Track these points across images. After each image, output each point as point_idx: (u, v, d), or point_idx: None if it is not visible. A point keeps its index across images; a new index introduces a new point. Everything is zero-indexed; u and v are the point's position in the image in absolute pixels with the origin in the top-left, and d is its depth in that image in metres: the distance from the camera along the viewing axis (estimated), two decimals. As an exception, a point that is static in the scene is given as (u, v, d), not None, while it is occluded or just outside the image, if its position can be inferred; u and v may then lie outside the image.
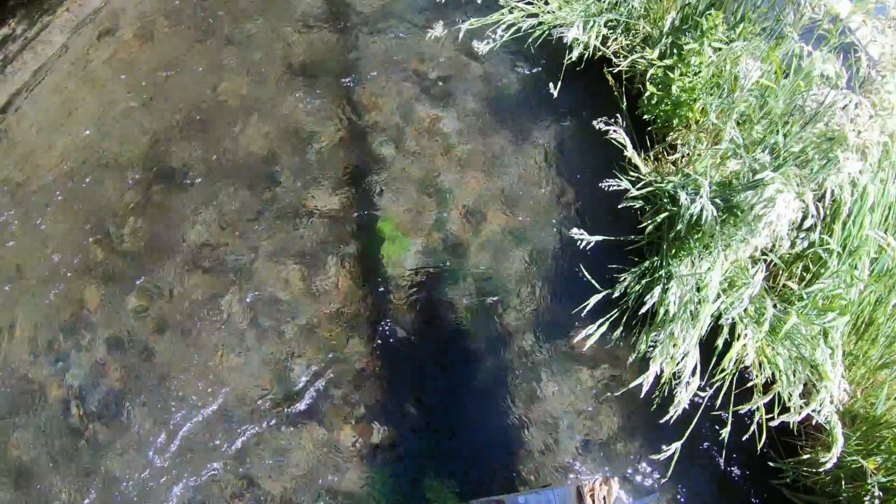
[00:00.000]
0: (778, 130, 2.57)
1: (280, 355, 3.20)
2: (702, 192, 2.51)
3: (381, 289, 3.37)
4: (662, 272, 2.83)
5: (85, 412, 3.08)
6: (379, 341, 3.24)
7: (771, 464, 2.84)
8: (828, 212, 2.65)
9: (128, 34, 4.17)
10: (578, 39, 3.29)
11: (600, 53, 3.56)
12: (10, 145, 3.82)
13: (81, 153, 3.77)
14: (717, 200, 2.53)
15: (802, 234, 2.49)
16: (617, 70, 3.50)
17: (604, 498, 1.57)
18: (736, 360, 2.60)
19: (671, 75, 3.06)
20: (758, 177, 2.26)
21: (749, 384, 2.72)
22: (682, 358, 2.60)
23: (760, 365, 2.71)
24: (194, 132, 3.83)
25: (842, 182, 2.24)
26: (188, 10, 4.28)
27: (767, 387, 2.64)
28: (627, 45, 3.59)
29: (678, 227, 2.74)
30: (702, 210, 2.49)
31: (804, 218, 2.26)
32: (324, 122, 3.85)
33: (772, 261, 2.68)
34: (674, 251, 2.85)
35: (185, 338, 3.25)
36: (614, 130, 3.05)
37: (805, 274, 2.76)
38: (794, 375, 2.51)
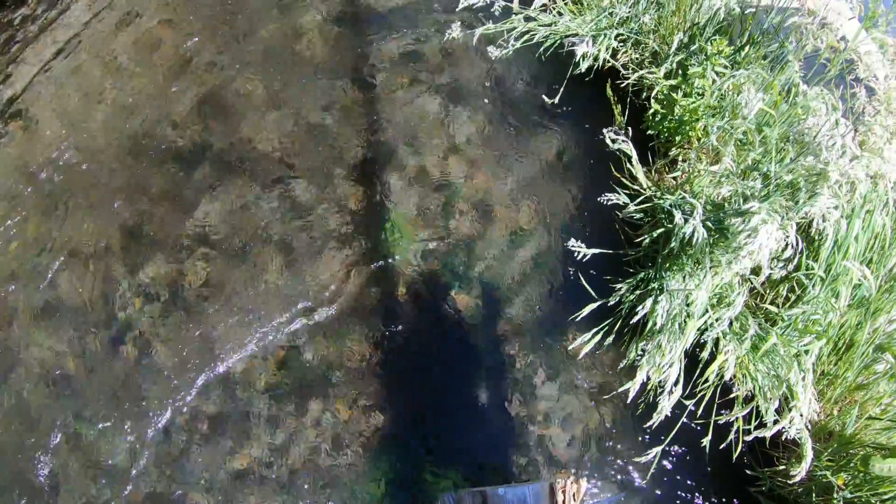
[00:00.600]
0: (772, 159, 2.80)
1: (287, 340, 3.47)
2: (695, 213, 2.75)
3: (388, 281, 3.63)
4: (655, 285, 3.07)
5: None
6: (384, 332, 3.50)
7: (748, 472, 3.11)
8: (815, 237, 2.89)
9: (149, 21, 4.38)
10: (588, 53, 3.50)
11: (609, 65, 3.77)
12: (28, 126, 4.05)
13: (100, 135, 4.01)
14: (709, 223, 2.77)
15: (782, 264, 2.72)
16: (624, 83, 3.72)
17: (573, 495, 1.81)
18: (718, 373, 2.85)
19: (675, 96, 3.29)
20: (745, 206, 2.49)
21: (731, 395, 2.99)
22: (668, 367, 2.85)
23: (742, 378, 2.97)
24: (212, 120, 4.06)
25: (824, 214, 2.46)
26: (210, 1, 4.49)
27: (749, 399, 2.90)
28: (636, 59, 3.80)
29: (672, 244, 2.97)
30: (694, 231, 2.73)
31: (786, 247, 2.50)
32: (337, 117, 4.08)
33: (761, 281, 2.92)
34: (667, 265, 3.09)
35: (189, 323, 3.51)
36: (623, 141, 3.27)
37: (790, 295, 3.00)
38: (771, 392, 2.76)
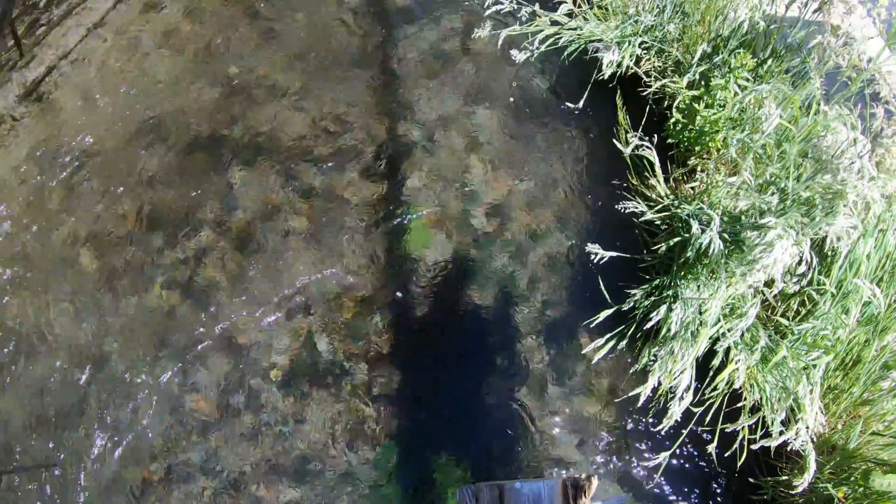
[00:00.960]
0: (789, 175, 2.91)
1: (304, 329, 3.61)
2: (713, 224, 2.87)
3: (405, 276, 3.77)
4: (670, 292, 3.19)
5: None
6: (399, 325, 3.64)
7: (752, 480, 3.24)
8: (828, 253, 3.01)
9: (173, 9, 4.51)
10: (612, 60, 3.61)
11: (632, 72, 3.89)
12: (51, 109, 4.18)
13: (120, 121, 4.14)
14: (725, 235, 2.89)
15: (795, 278, 2.84)
16: (646, 91, 3.83)
17: (584, 492, 1.94)
18: (728, 382, 2.97)
19: (696, 106, 3.41)
20: (762, 221, 2.61)
21: (739, 404, 3.11)
22: (679, 374, 2.97)
23: (751, 388, 3.09)
24: (234, 110, 4.19)
25: (840, 234, 2.58)
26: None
27: (756, 409, 3.03)
28: (659, 67, 3.91)
29: (688, 253, 3.10)
30: (710, 242, 2.85)
31: (799, 262, 2.62)
32: (360, 112, 4.22)
33: (773, 294, 3.04)
34: (683, 274, 3.21)
35: (205, 306, 3.65)
36: (647, 148, 3.38)
37: (801, 309, 3.12)
38: (778, 403, 2.89)
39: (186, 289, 3.69)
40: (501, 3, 3.63)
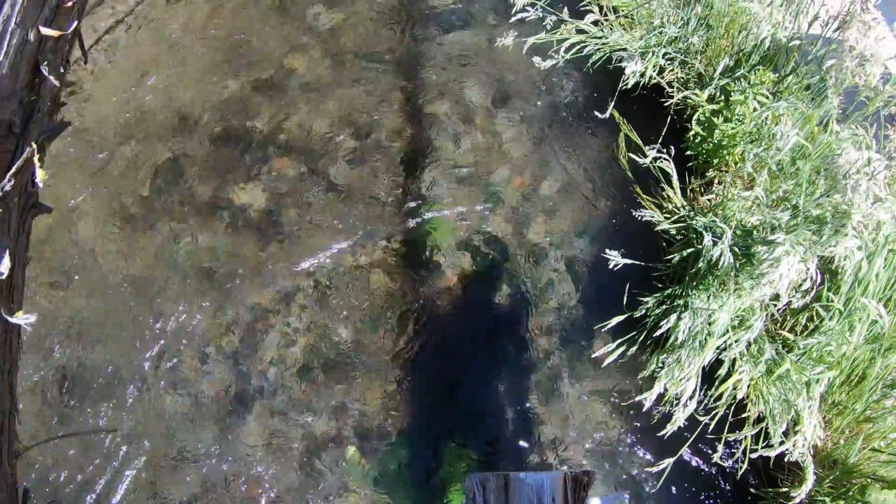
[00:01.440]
0: (802, 191, 3.06)
1: (322, 321, 3.80)
2: (724, 238, 3.02)
3: (424, 273, 3.95)
4: (681, 301, 3.35)
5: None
6: (416, 321, 3.82)
7: (753, 490, 3.39)
8: (839, 269, 3.15)
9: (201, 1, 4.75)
10: (636, 70, 3.77)
11: (655, 82, 4.04)
12: (82, 96, 4.41)
13: (149, 110, 4.37)
14: (736, 248, 3.05)
15: (800, 294, 2.99)
16: (668, 102, 3.98)
17: (584, 486, 2.09)
18: (732, 392, 3.13)
19: (716, 120, 3.56)
20: (771, 237, 2.76)
21: (743, 415, 3.26)
22: (686, 381, 3.14)
23: (755, 399, 3.24)
24: (259, 102, 4.40)
25: (844, 252, 2.73)
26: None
27: (759, 420, 3.18)
28: (682, 78, 4.07)
29: (700, 264, 3.25)
30: (721, 254, 3.01)
31: (805, 279, 2.77)
32: (385, 110, 4.44)
33: (779, 308, 3.19)
34: (694, 284, 3.36)
35: (226, 293, 3.86)
36: (665, 160, 3.53)
37: (809, 324, 3.27)
38: (780, 415, 3.04)
39: (203, 277, 3.91)
40: (528, 11, 3.78)
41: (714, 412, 3.19)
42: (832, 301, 3.07)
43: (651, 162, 3.49)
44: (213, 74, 4.49)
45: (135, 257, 3.92)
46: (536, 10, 3.84)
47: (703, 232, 3.21)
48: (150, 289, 3.84)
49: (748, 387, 3.11)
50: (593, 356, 3.68)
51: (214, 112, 4.36)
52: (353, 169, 4.21)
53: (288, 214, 4.07)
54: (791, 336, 3.16)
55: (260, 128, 4.32)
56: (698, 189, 3.86)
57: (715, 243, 3.10)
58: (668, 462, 3.14)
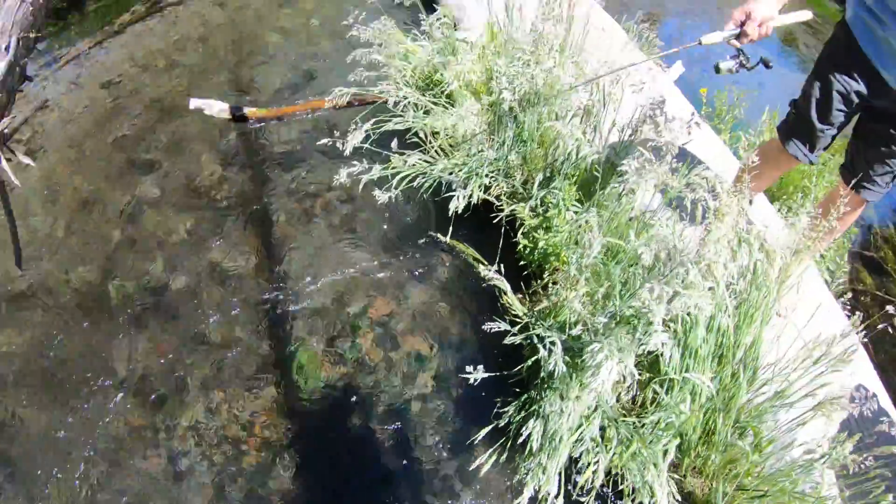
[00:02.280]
0: (617, 293, 3.59)
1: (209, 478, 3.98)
2: (556, 349, 3.49)
3: (300, 413, 4.20)
4: (536, 406, 3.79)
5: None
6: (300, 463, 4.03)
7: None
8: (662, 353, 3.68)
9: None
10: (462, 195, 4.26)
11: (484, 198, 4.57)
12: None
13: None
14: (567, 357, 3.52)
15: (625, 389, 3.50)
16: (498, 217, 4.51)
17: None
18: (591, 479, 3.57)
19: (537, 234, 4.10)
20: (588, 348, 3.24)
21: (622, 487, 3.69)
22: (547, 484, 3.54)
23: (624, 476, 3.69)
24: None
25: (659, 346, 3.21)
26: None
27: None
28: (508, 191, 4.62)
29: (542, 374, 3.72)
30: (555, 365, 3.47)
31: (624, 379, 3.27)
32: (239, 257, 4.81)
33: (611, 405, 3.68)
34: (545, 387, 3.82)
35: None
36: (497, 279, 3.99)
37: (656, 397, 3.76)
38: (640, 489, 3.50)
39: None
40: (354, 164, 4.20)
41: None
42: (668, 374, 3.57)
43: (487, 281, 3.96)
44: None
45: None
46: (363, 164, 4.22)
47: (538, 343, 3.68)
48: None
49: (605, 473, 3.54)
50: (472, 466, 4.02)
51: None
52: (218, 319, 4.55)
53: (163, 372, 4.29)
54: (634, 419, 3.65)
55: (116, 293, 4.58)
56: (541, 291, 4.37)
57: (550, 353, 3.56)
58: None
